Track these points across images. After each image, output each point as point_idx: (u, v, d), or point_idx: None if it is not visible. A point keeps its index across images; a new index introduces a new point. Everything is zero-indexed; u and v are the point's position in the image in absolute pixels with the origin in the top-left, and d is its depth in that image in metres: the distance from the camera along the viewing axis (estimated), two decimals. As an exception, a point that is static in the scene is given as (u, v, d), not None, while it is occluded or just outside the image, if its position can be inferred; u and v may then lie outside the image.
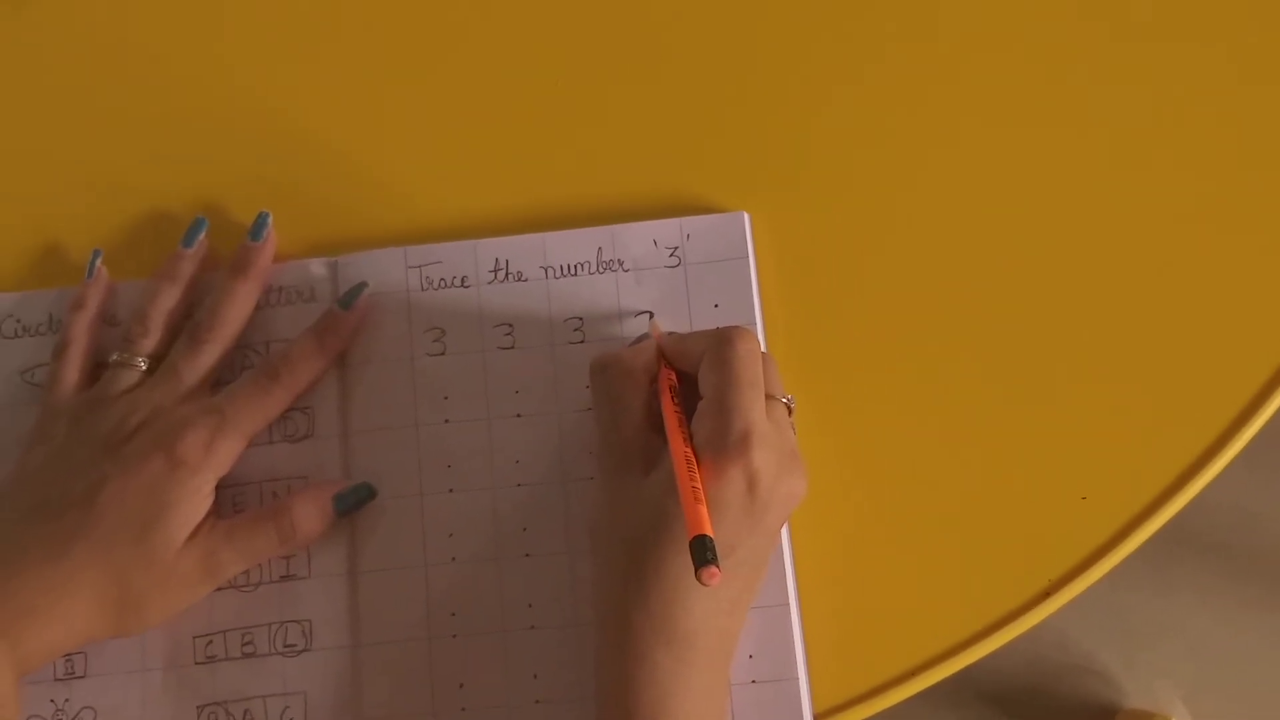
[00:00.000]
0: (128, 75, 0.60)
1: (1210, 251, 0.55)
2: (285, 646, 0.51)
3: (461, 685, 0.50)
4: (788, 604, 0.50)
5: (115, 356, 0.53)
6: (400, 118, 0.59)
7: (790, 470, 0.45)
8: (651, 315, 0.54)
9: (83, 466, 0.50)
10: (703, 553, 0.40)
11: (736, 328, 0.47)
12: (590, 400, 0.53)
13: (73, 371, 0.53)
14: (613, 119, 0.59)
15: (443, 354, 0.54)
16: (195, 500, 0.49)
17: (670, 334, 0.51)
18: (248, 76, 0.60)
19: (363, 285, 0.54)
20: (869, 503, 0.53)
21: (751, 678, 0.50)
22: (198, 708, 0.51)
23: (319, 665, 0.51)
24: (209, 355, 0.53)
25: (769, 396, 0.46)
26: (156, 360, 0.53)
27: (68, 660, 0.51)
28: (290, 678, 0.51)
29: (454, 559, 0.52)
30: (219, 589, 0.51)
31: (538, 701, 0.50)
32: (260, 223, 0.55)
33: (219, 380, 0.54)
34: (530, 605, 0.51)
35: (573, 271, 0.55)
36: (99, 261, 0.56)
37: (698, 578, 0.40)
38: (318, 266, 0.56)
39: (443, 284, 0.55)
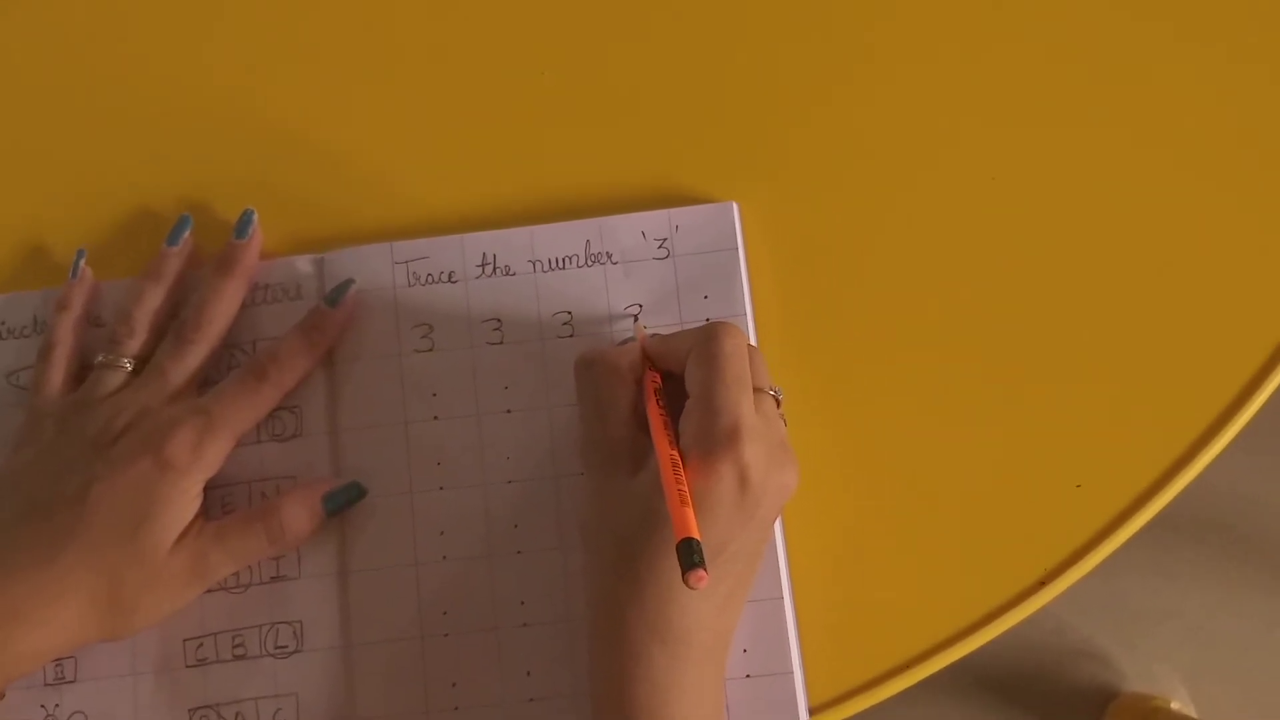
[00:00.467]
0: (110, 73, 0.60)
1: (1203, 240, 0.55)
2: (276, 648, 0.51)
3: (454, 684, 0.50)
4: (782, 598, 0.50)
5: (101, 358, 0.53)
6: (385, 112, 0.58)
7: (781, 463, 0.45)
8: (636, 318, 0.53)
9: (70, 469, 0.49)
10: (689, 556, 0.40)
11: (721, 323, 0.47)
12: (571, 395, 0.52)
13: (58, 373, 0.53)
14: (600, 110, 0.58)
15: (431, 350, 0.54)
16: (184, 502, 0.49)
17: (655, 335, 0.51)
18: (231, 73, 0.59)
19: (349, 282, 0.54)
20: (862, 494, 0.52)
21: (746, 672, 0.49)
22: (189, 711, 0.50)
23: (311, 666, 0.51)
24: (195, 355, 0.52)
25: (756, 389, 0.46)
26: (142, 361, 0.53)
27: (58, 665, 0.51)
28: (282, 679, 0.50)
29: (445, 557, 0.51)
30: (209, 591, 0.51)
31: (531, 699, 0.50)
32: (245, 220, 0.55)
33: (206, 380, 0.53)
34: (523, 602, 0.51)
35: (561, 265, 0.54)
36: (83, 261, 0.55)
37: (685, 581, 0.39)
38: (304, 263, 0.55)
39: (430, 279, 0.54)
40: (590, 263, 0.54)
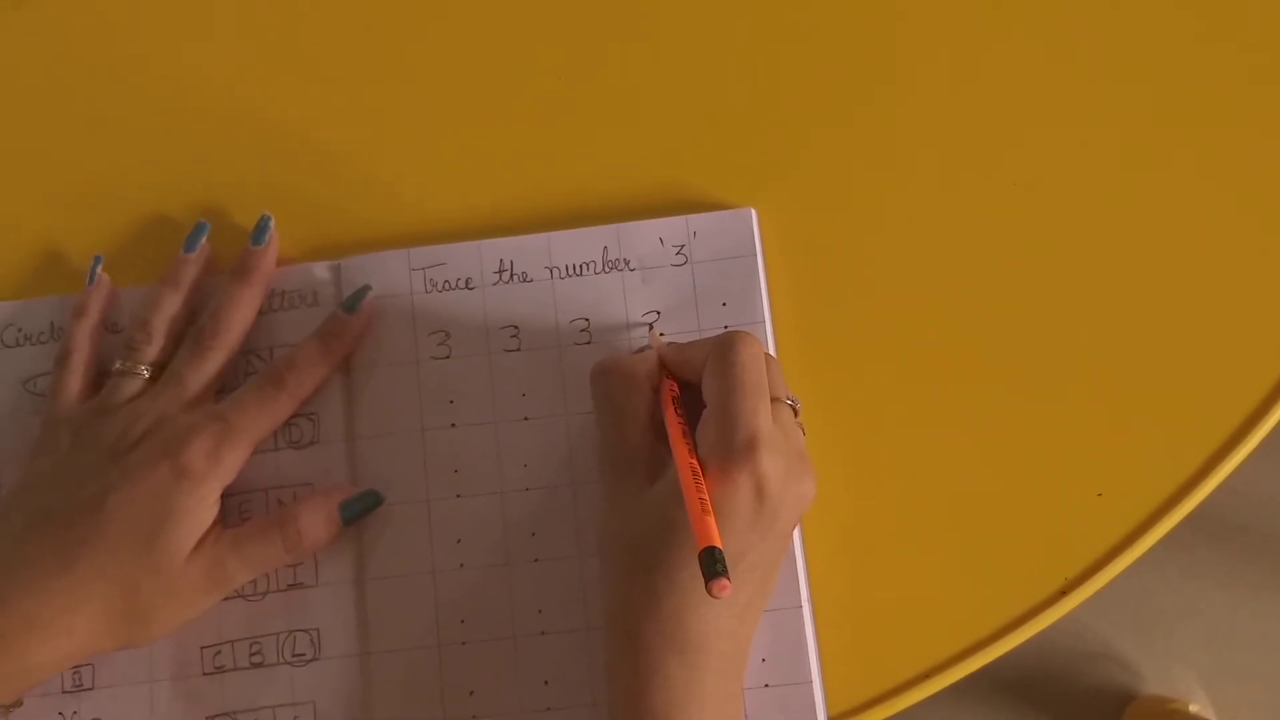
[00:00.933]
0: (127, 79, 0.60)
1: (1226, 247, 0.55)
2: (294, 656, 0.51)
3: (472, 693, 0.50)
4: (800, 606, 0.50)
5: (118, 364, 0.52)
6: (402, 118, 0.58)
7: (799, 473, 0.45)
8: (651, 326, 0.53)
9: (87, 476, 0.49)
10: (712, 565, 0.39)
11: (738, 332, 0.47)
12: (589, 402, 0.52)
13: (75, 380, 0.53)
14: (617, 115, 0.58)
15: (448, 357, 0.53)
16: (201, 509, 0.49)
17: (671, 344, 0.51)
18: (248, 79, 0.59)
19: (366, 288, 0.54)
20: (881, 502, 0.52)
21: (765, 682, 0.49)
22: (207, 718, 0.50)
23: (328, 674, 0.51)
24: (213, 362, 0.52)
25: (774, 399, 0.46)
26: (160, 368, 0.53)
27: (75, 672, 0.51)
28: (299, 687, 0.50)
29: (462, 565, 0.51)
30: (226, 598, 0.51)
31: (549, 709, 0.50)
32: (262, 226, 0.55)
33: (223, 387, 0.53)
34: (540, 611, 0.51)
35: (578, 271, 0.54)
36: (100, 268, 0.55)
37: (708, 590, 0.39)
38: (321, 270, 0.55)
39: (447, 286, 0.54)
40: (608, 269, 0.54)
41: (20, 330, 0.56)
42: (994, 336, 0.54)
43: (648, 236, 0.54)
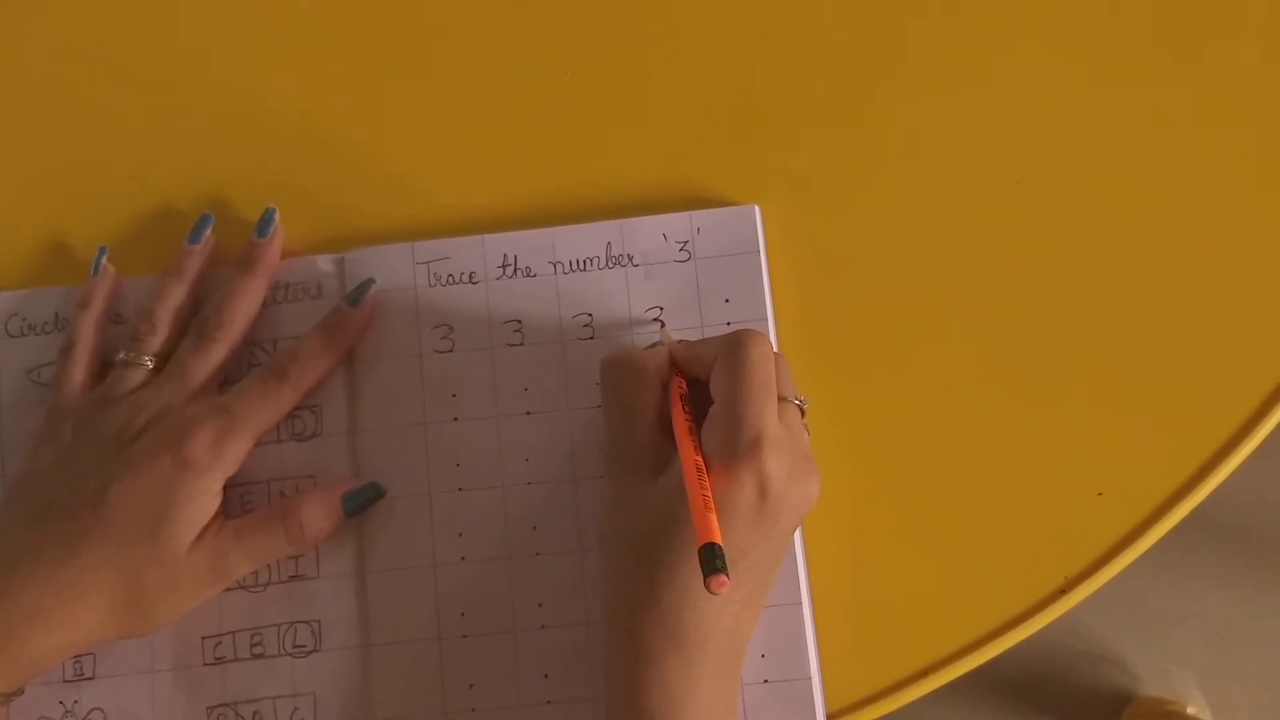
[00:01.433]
0: (133, 71, 0.60)
1: (1227, 246, 0.55)
2: (295, 647, 0.51)
3: (471, 686, 0.50)
4: (800, 603, 0.50)
5: (122, 355, 0.53)
6: (407, 112, 0.58)
7: (803, 474, 0.45)
8: (663, 324, 0.53)
9: (90, 467, 0.49)
10: (712, 561, 0.40)
11: (748, 331, 0.47)
12: (600, 398, 0.52)
13: (79, 370, 0.53)
14: (621, 111, 0.58)
15: (451, 351, 0.54)
16: (203, 500, 0.49)
17: (681, 341, 0.51)
18: (255, 72, 0.59)
19: (370, 282, 0.54)
20: (882, 500, 0.52)
21: (764, 677, 0.49)
22: (207, 709, 0.50)
23: (329, 666, 0.51)
24: (216, 354, 0.52)
25: (781, 399, 0.46)
26: (163, 359, 0.53)
27: (77, 662, 0.51)
28: (300, 678, 0.51)
29: (463, 558, 0.51)
30: (228, 590, 0.51)
31: (549, 702, 0.50)
32: (267, 219, 0.55)
33: (227, 379, 0.53)
34: (541, 605, 0.51)
35: (582, 267, 0.54)
36: (105, 259, 0.55)
37: (707, 586, 0.39)
38: (325, 263, 0.55)
39: (451, 280, 0.54)
40: (611, 264, 0.54)
41: (25, 320, 0.56)
42: (995, 335, 0.54)
43: (651, 232, 0.54)
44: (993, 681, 1.36)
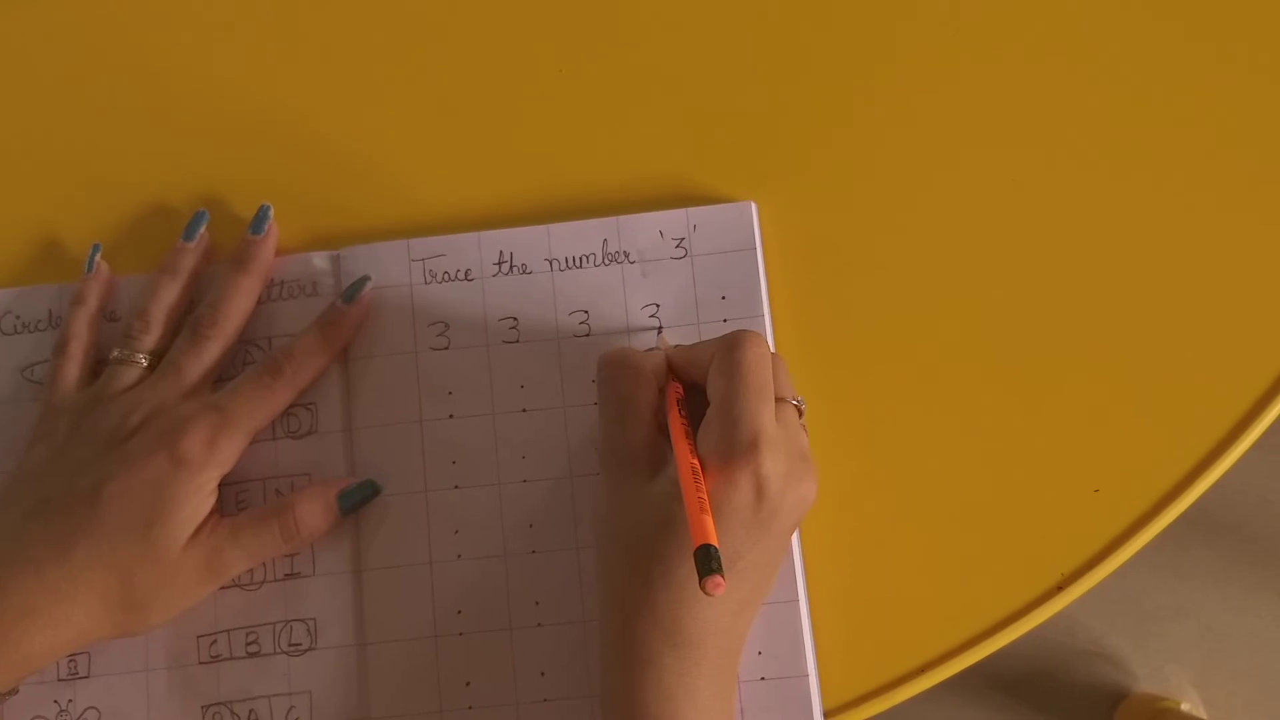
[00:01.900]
0: (126, 68, 0.60)
1: (1224, 243, 0.55)
2: (290, 645, 0.51)
3: (468, 683, 0.50)
4: (797, 600, 0.50)
5: (116, 353, 0.52)
6: (402, 108, 0.58)
7: (801, 475, 0.45)
8: (660, 330, 0.53)
9: (85, 465, 0.49)
10: (707, 563, 0.40)
11: (745, 332, 0.47)
12: (596, 395, 0.52)
13: (73, 368, 0.53)
14: (617, 108, 0.58)
15: (447, 348, 0.53)
16: (198, 498, 0.49)
17: (678, 346, 0.51)
18: (248, 68, 0.59)
19: (366, 279, 0.53)
20: (879, 497, 0.52)
21: (761, 675, 0.49)
22: (202, 708, 0.50)
23: (324, 664, 0.51)
24: (211, 351, 0.52)
25: (779, 399, 0.46)
26: (158, 356, 0.53)
27: (71, 661, 0.51)
28: (295, 677, 0.50)
29: (460, 556, 0.51)
30: (223, 588, 0.51)
31: (545, 700, 0.50)
32: (261, 216, 0.55)
33: (221, 376, 0.53)
34: (537, 602, 0.51)
35: (578, 264, 0.54)
36: (99, 256, 0.55)
37: (702, 587, 0.39)
38: (320, 260, 0.55)
39: (446, 277, 0.54)
40: (607, 262, 0.54)
41: (18, 318, 0.55)
42: (992, 332, 0.54)
43: (648, 229, 0.54)
44: (989, 679, 1.36)
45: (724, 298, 0.53)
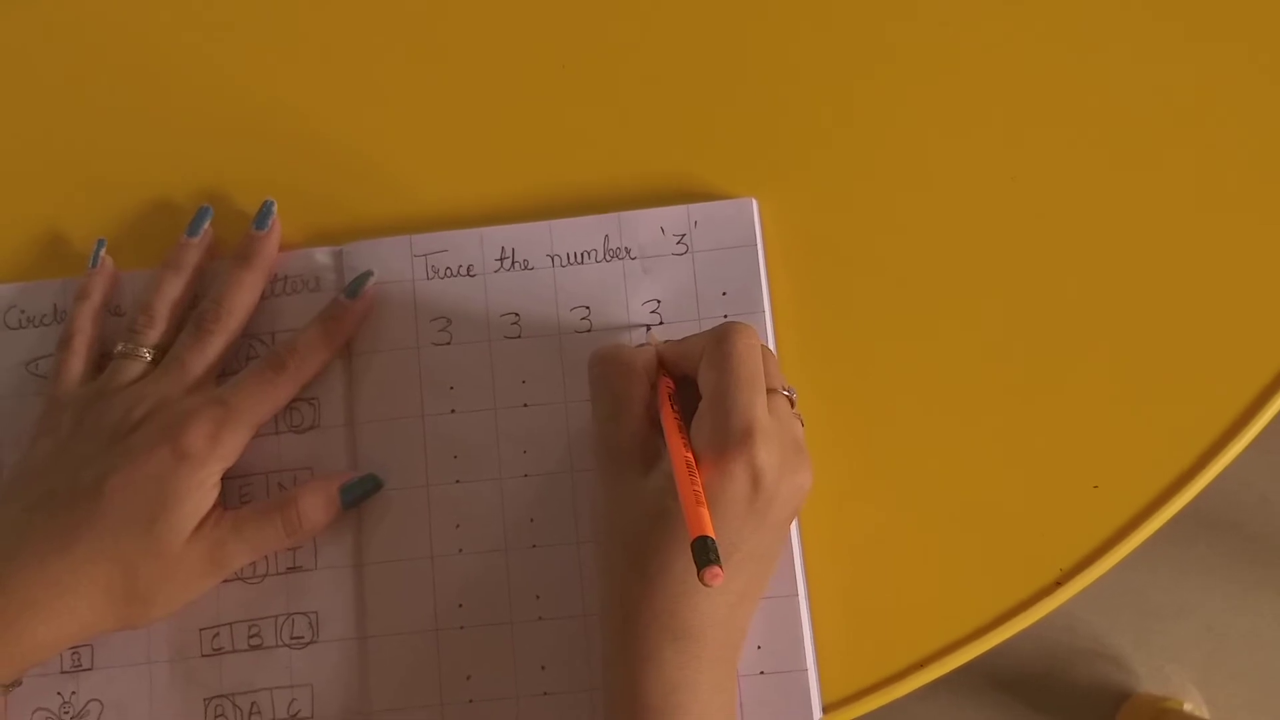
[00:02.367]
0: (130, 65, 0.60)
1: (1223, 239, 0.55)
2: (292, 638, 0.51)
3: (469, 677, 0.50)
4: (796, 595, 0.50)
5: (120, 347, 0.53)
6: (405, 105, 0.58)
7: (795, 464, 0.45)
8: (649, 328, 0.53)
9: (88, 458, 0.49)
10: (704, 554, 0.40)
11: (734, 323, 0.47)
12: (588, 390, 0.52)
13: (78, 362, 0.53)
14: (619, 104, 0.58)
15: (449, 343, 0.54)
16: (201, 492, 0.49)
17: (667, 341, 0.51)
18: (252, 65, 0.60)
19: (368, 274, 0.54)
20: (878, 493, 0.52)
21: (760, 669, 0.49)
22: (204, 700, 0.51)
23: (326, 657, 0.51)
24: (214, 346, 0.52)
25: (770, 390, 0.46)
26: (161, 351, 0.53)
27: (74, 653, 0.51)
28: (297, 670, 0.51)
29: (461, 550, 0.52)
30: (225, 581, 0.51)
31: (545, 693, 0.50)
32: (265, 211, 0.55)
33: (224, 370, 0.54)
34: (538, 596, 0.51)
35: (579, 259, 0.54)
36: (103, 251, 0.56)
37: (700, 579, 0.40)
38: (323, 255, 0.55)
39: (449, 273, 0.54)
40: (609, 258, 0.54)
41: (23, 312, 0.56)
42: (992, 328, 0.54)
43: (649, 225, 0.54)
44: (990, 678, 1.36)
45: (725, 294, 0.53)
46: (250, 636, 0.51)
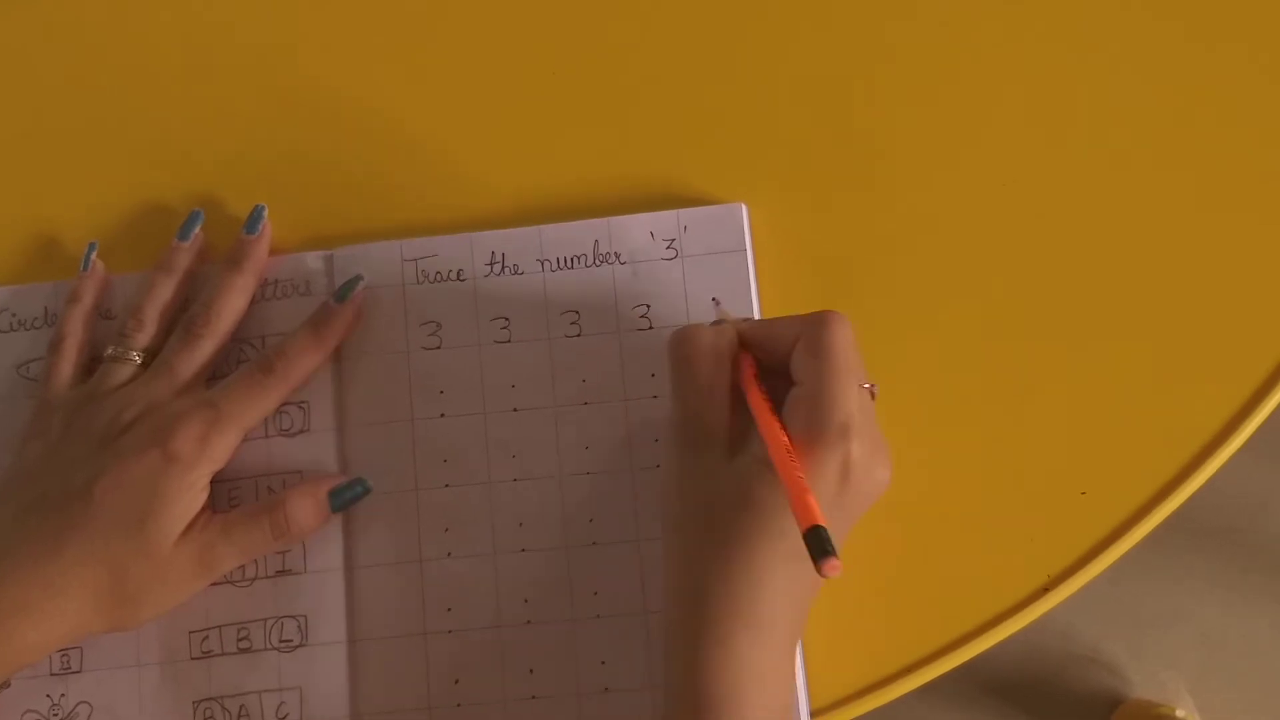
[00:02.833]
0: (124, 68, 0.60)
1: (1212, 247, 0.55)
2: (281, 642, 0.51)
3: (457, 681, 0.50)
4: (785, 599, 0.50)
5: (110, 351, 0.53)
6: (396, 110, 0.59)
7: (880, 460, 0.45)
8: (718, 301, 0.53)
9: (78, 461, 0.49)
10: (821, 545, 0.40)
11: (833, 313, 0.46)
12: (669, 376, 0.51)
13: (68, 365, 0.53)
14: (609, 109, 0.58)
15: (439, 348, 0.54)
16: (190, 495, 0.49)
17: (750, 320, 0.50)
18: (243, 70, 0.60)
19: (358, 278, 0.54)
20: (867, 497, 0.52)
21: (748, 673, 0.49)
22: (194, 703, 0.51)
23: (315, 660, 0.51)
24: (204, 349, 0.52)
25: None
26: (152, 354, 0.53)
27: (64, 655, 0.51)
28: (286, 673, 0.51)
29: (450, 554, 0.52)
30: (214, 584, 0.51)
31: (533, 697, 0.50)
32: (256, 216, 0.55)
33: (214, 374, 0.54)
34: (526, 600, 0.51)
35: (569, 264, 0.54)
36: (94, 254, 0.56)
37: (818, 570, 0.39)
38: (313, 260, 0.55)
39: (439, 277, 0.55)
40: (599, 262, 0.54)
41: (14, 315, 0.56)
42: (979, 334, 0.54)
43: (639, 230, 0.55)
44: (984, 683, 1.36)
45: (714, 299, 0.54)
46: (239, 639, 0.51)
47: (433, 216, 0.56)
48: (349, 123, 0.58)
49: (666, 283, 0.54)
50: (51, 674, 0.51)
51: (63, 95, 0.60)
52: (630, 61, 0.59)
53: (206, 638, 0.51)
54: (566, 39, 0.59)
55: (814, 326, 0.46)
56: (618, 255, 0.54)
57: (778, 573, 0.44)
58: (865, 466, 0.44)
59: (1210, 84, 0.57)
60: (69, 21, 0.61)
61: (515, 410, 0.53)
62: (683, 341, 0.49)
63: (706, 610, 0.44)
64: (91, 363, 0.54)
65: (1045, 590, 0.51)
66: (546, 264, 0.54)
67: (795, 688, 0.49)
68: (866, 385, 0.47)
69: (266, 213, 0.55)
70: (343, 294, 0.53)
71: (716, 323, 0.51)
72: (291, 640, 0.51)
